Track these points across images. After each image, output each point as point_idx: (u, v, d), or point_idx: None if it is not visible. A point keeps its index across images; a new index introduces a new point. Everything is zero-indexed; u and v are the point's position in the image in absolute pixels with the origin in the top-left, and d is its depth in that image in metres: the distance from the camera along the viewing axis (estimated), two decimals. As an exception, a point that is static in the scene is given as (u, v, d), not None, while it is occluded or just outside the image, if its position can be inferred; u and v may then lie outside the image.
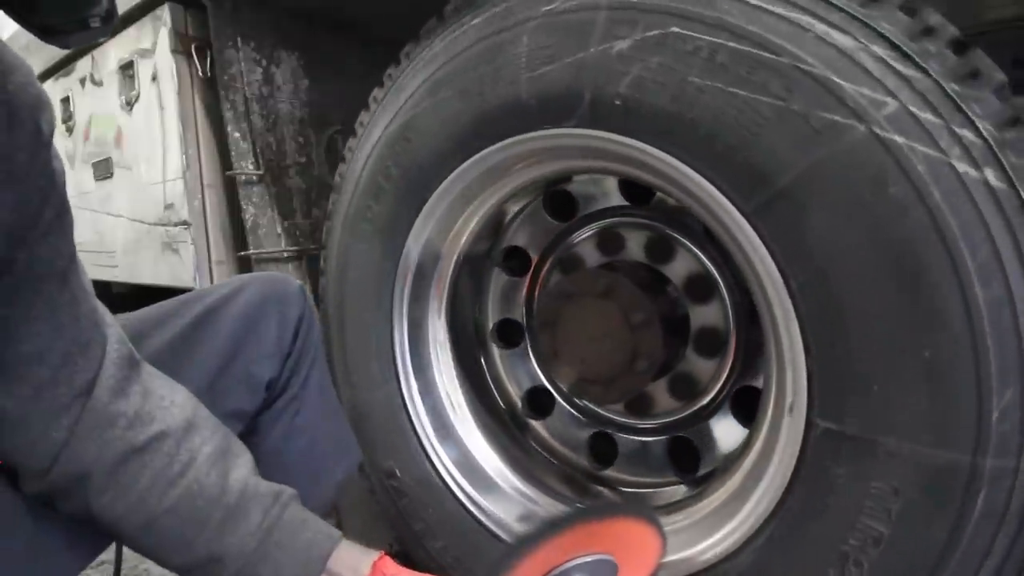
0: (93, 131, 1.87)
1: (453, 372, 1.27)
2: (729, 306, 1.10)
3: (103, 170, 1.83)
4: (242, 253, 1.48)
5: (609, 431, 1.26)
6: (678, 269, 1.14)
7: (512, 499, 1.18)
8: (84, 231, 1.97)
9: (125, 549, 0.82)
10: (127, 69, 1.64)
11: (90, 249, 1.95)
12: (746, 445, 0.97)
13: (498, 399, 1.36)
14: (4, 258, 0.58)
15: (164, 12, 1.48)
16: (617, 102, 0.85)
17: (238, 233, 1.51)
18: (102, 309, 0.69)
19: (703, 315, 1.13)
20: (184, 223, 1.52)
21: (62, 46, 0.55)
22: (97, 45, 1.74)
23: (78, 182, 1.99)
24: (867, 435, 0.73)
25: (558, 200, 1.24)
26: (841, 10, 0.72)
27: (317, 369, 0.94)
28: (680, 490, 1.18)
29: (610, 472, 1.26)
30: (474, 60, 1.00)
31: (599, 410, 1.26)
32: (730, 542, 0.89)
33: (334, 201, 1.26)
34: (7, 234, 0.57)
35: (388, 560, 0.72)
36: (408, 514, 1.22)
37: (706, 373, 1.14)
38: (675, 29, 0.79)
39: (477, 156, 1.04)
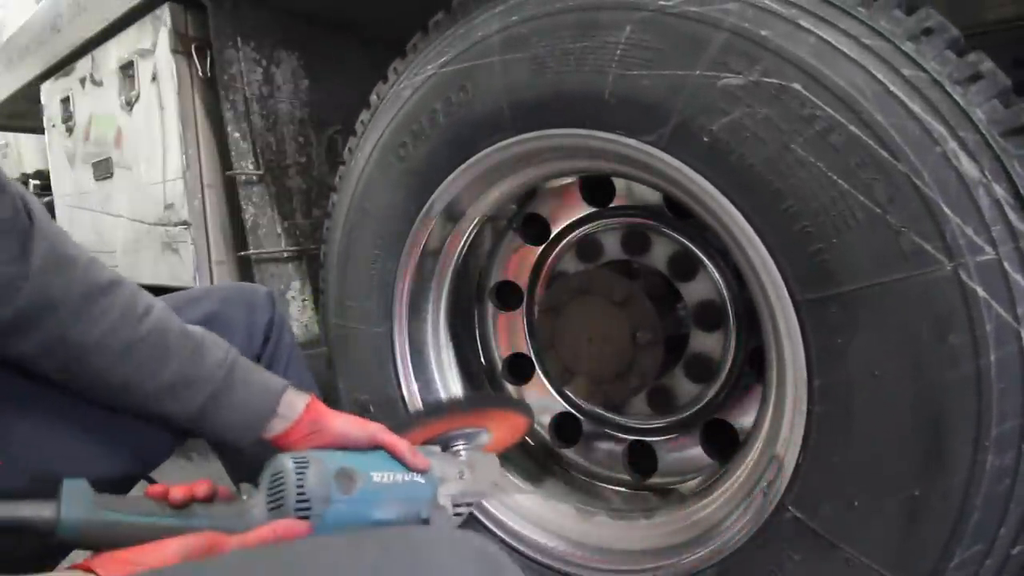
0: (93, 131, 1.87)
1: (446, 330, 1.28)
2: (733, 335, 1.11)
3: (103, 170, 1.83)
4: (242, 253, 1.48)
5: (574, 412, 1.28)
6: (694, 291, 1.14)
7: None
8: (84, 231, 1.97)
9: None
10: (127, 69, 1.64)
11: (90, 249, 1.94)
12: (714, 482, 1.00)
13: (482, 357, 1.39)
14: None
15: (164, 12, 1.48)
16: (705, 139, 0.78)
17: (238, 233, 1.51)
18: None
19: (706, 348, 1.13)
20: (184, 223, 1.52)
21: None
22: (96, 45, 1.74)
23: (78, 182, 1.99)
24: (832, 538, 0.76)
25: (597, 184, 1.22)
26: (978, 133, 0.66)
27: (293, 372, 0.96)
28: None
29: (568, 452, 1.29)
30: (565, 30, 0.89)
31: (572, 391, 1.27)
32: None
33: (351, 147, 1.23)
34: None
35: (317, 400, 0.82)
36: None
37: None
38: (797, 86, 0.72)
39: (532, 134, 0.96)
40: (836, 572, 0.76)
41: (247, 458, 0.84)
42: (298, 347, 1.03)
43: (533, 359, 1.34)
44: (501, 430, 0.95)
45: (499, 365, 1.38)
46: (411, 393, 1.23)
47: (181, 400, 0.75)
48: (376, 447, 0.81)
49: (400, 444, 0.81)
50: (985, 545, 0.69)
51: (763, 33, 0.74)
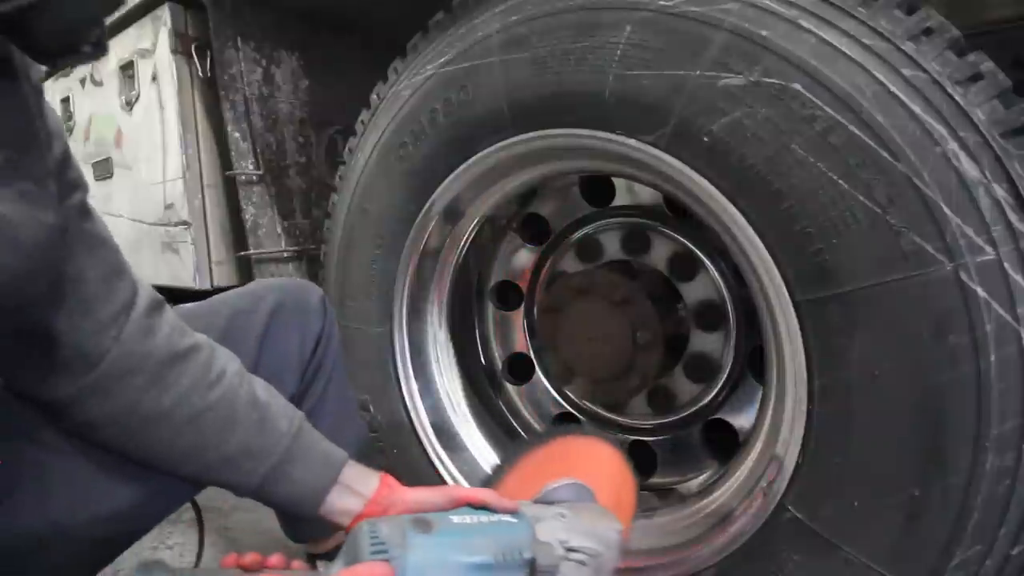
0: (93, 131, 1.87)
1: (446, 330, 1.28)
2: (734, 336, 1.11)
3: (103, 170, 1.83)
4: (242, 253, 1.48)
5: (574, 412, 1.26)
6: (692, 291, 1.14)
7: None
8: (84, 231, 1.96)
9: None
10: (127, 69, 1.64)
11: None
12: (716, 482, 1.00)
13: (482, 357, 1.38)
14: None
15: (164, 12, 1.47)
16: (705, 139, 0.78)
17: (238, 233, 1.51)
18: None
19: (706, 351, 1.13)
20: (184, 223, 1.52)
21: (50, 67, 0.56)
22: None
23: (78, 182, 1.99)
24: (832, 538, 0.76)
25: (597, 184, 1.22)
26: (979, 133, 0.66)
27: (335, 383, 0.96)
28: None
29: None
30: (565, 30, 0.89)
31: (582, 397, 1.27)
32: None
33: (351, 147, 1.23)
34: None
35: (388, 476, 0.79)
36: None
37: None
38: (797, 87, 0.72)
39: (532, 134, 0.96)
40: (836, 572, 0.76)
41: (313, 524, 0.82)
42: (341, 359, 1.02)
43: (533, 359, 1.34)
44: (590, 468, 0.83)
45: (499, 365, 1.38)
46: (411, 393, 1.23)
47: (242, 471, 0.74)
48: (457, 506, 0.74)
49: (481, 492, 0.75)
50: (985, 545, 0.69)
51: (763, 33, 0.74)
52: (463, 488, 0.79)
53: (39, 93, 0.63)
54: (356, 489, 0.76)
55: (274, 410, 0.77)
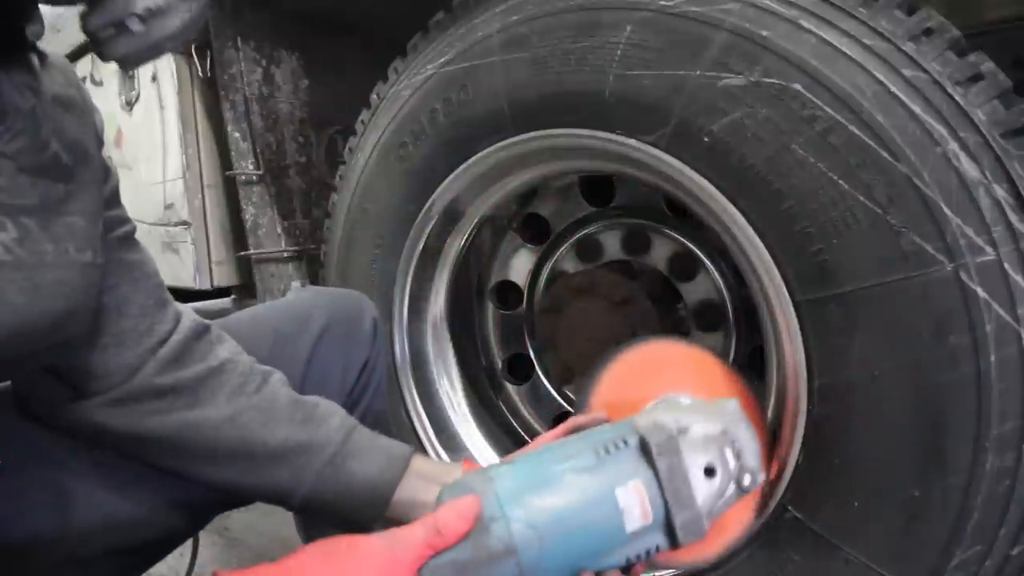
0: (93, 131, 1.87)
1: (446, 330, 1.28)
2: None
3: (103, 170, 1.83)
4: (242, 253, 1.48)
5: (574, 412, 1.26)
6: (692, 291, 1.14)
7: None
8: (84, 231, 1.96)
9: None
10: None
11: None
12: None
13: (482, 357, 1.38)
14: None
15: (164, 12, 1.47)
16: (706, 139, 0.78)
17: (238, 233, 1.51)
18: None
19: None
20: (184, 223, 1.52)
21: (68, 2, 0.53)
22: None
23: (78, 182, 1.99)
24: (832, 538, 0.76)
25: (597, 184, 1.22)
26: (979, 134, 0.66)
27: (374, 411, 0.91)
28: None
29: None
30: (565, 30, 0.88)
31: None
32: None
33: (351, 147, 1.22)
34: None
35: (471, 462, 0.74)
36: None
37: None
38: (798, 87, 0.72)
39: (532, 134, 0.96)
40: (836, 572, 0.76)
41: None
42: (384, 383, 0.96)
43: (533, 359, 1.34)
44: (689, 379, 0.77)
45: (499, 365, 1.38)
46: (411, 393, 1.23)
47: (293, 467, 0.68)
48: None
49: (574, 419, 0.70)
50: (985, 546, 0.69)
51: (764, 33, 0.74)
52: (550, 433, 0.71)
53: (102, 126, 0.64)
54: (436, 477, 0.69)
55: (323, 408, 0.73)
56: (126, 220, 0.68)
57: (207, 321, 0.75)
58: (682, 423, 0.58)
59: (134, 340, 0.66)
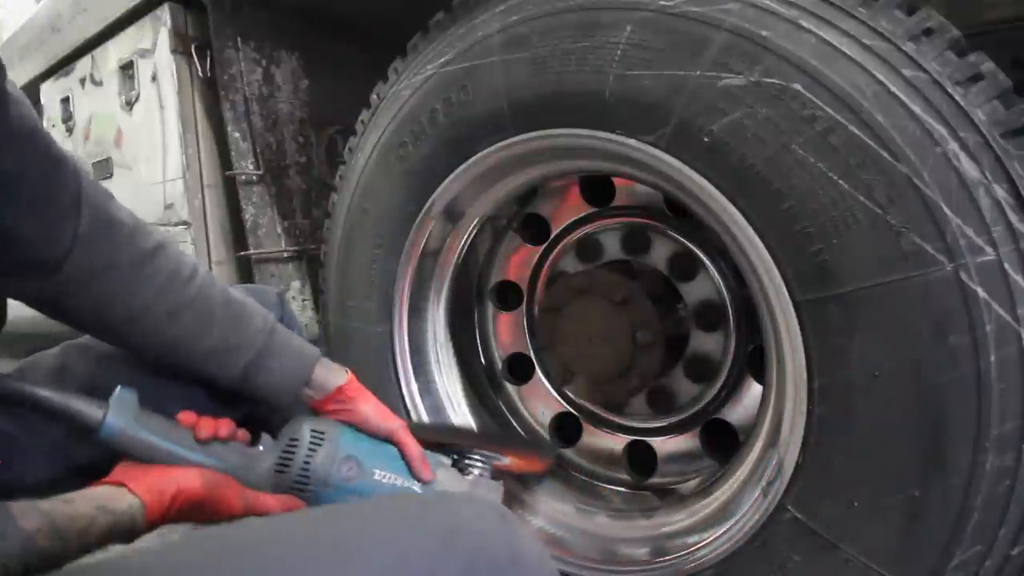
0: (93, 131, 1.87)
1: (446, 330, 1.29)
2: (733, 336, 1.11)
3: (103, 170, 1.82)
4: (242, 253, 1.48)
5: (574, 412, 1.26)
6: (692, 291, 1.13)
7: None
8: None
9: None
10: (127, 69, 1.64)
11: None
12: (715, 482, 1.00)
13: (482, 357, 1.38)
14: None
15: (164, 12, 1.47)
16: (706, 139, 0.78)
17: (238, 233, 1.51)
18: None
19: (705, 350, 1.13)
20: (184, 223, 1.52)
21: None
22: (96, 45, 1.74)
23: (78, 182, 1.99)
24: (832, 538, 0.76)
25: (597, 184, 1.21)
26: (979, 134, 0.66)
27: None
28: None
29: (568, 452, 1.29)
30: (565, 30, 0.88)
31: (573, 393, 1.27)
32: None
33: (351, 147, 1.23)
34: None
35: (354, 379, 0.88)
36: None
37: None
38: (798, 87, 0.72)
39: (532, 134, 0.96)
40: (836, 572, 0.76)
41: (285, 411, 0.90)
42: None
43: (533, 359, 1.34)
44: (519, 463, 1.01)
45: (499, 365, 1.38)
46: (411, 393, 1.23)
47: (224, 365, 0.80)
48: (392, 443, 0.85)
49: (413, 449, 0.85)
50: (985, 546, 0.69)
51: (764, 33, 0.74)
52: (404, 431, 0.85)
53: None
54: (320, 385, 0.84)
55: (249, 308, 0.83)
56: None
57: (112, 194, 0.78)
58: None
59: (43, 199, 0.68)
